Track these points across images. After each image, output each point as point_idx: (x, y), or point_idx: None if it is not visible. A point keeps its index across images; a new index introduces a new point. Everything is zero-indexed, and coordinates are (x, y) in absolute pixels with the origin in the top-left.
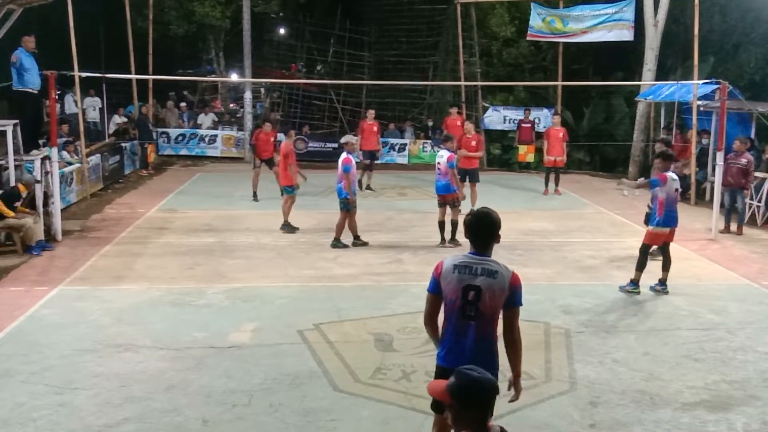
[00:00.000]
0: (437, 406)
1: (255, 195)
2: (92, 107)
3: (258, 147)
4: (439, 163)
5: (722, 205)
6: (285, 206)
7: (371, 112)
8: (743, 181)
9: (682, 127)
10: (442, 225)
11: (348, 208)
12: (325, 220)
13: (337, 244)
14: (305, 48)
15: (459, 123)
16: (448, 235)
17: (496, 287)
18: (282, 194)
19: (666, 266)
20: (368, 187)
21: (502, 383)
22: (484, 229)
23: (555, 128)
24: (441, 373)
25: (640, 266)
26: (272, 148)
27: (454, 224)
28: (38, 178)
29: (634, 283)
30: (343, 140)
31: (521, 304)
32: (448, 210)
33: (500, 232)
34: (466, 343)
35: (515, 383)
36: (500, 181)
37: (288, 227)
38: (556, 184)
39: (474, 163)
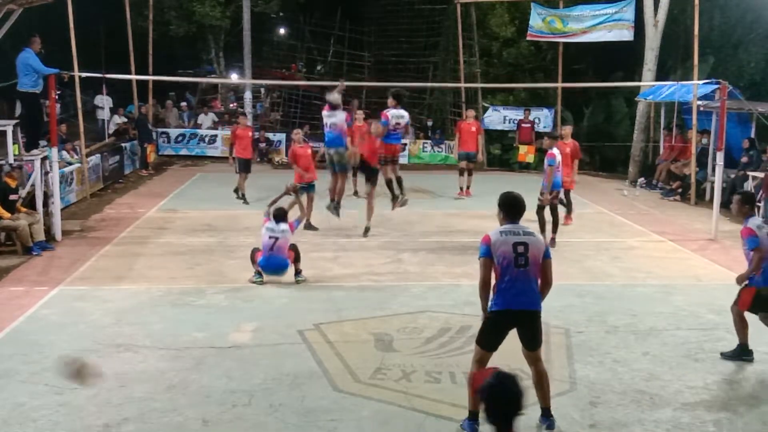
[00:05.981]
0: (487, 343)
1: (243, 196)
2: (101, 105)
3: (236, 144)
4: (398, 123)
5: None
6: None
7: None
8: None
9: (682, 127)
10: (390, 183)
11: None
12: (325, 220)
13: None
14: (305, 48)
15: (473, 129)
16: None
17: (537, 242)
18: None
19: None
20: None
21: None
22: (519, 206)
23: (564, 142)
24: (492, 317)
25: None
26: (251, 147)
27: (399, 180)
28: (15, 163)
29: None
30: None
31: (551, 257)
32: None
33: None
34: (521, 287)
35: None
36: (500, 181)
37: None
38: None
39: (472, 147)
